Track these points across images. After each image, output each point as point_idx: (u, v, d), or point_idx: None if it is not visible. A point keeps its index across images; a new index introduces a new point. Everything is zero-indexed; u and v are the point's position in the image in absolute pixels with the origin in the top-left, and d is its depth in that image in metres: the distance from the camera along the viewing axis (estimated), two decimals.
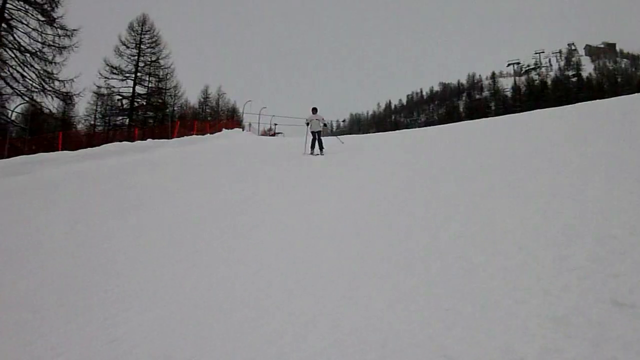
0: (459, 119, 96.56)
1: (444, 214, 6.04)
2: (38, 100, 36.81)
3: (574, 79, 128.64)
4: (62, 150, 24.51)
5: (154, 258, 6.89)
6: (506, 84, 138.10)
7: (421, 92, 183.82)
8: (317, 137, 18.05)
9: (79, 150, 23.64)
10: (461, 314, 3.26)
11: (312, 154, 17.81)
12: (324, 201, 8.75)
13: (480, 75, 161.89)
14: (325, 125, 18.67)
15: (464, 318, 3.20)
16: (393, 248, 5.14)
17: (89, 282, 6.23)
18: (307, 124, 18.67)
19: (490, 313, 3.18)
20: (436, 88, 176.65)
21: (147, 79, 55.76)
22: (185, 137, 32.30)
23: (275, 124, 64.24)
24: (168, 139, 31.11)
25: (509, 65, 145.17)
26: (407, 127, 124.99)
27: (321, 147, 17.95)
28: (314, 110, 18.89)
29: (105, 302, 5.41)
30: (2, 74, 34.81)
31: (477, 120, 27.29)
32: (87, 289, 5.98)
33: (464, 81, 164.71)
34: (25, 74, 35.72)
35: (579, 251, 3.83)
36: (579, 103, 20.38)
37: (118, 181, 15.65)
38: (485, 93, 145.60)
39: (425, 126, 60.28)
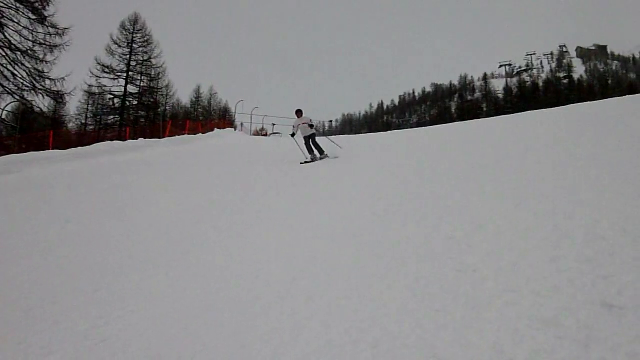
0: (450, 120, 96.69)
1: (437, 215, 6.06)
2: (29, 99, 36.65)
3: (565, 81, 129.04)
4: (53, 149, 24.36)
5: (148, 257, 6.88)
6: (498, 85, 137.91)
7: (413, 93, 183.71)
8: (312, 141, 15.30)
9: (70, 150, 23.49)
10: (452, 315, 3.29)
11: (313, 160, 15.00)
12: (319, 202, 8.74)
13: (472, 77, 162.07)
14: (311, 126, 15.53)
15: (455, 319, 3.23)
16: (387, 249, 5.16)
17: (82, 281, 6.22)
18: (293, 134, 16.01)
19: (481, 314, 3.20)
20: (428, 89, 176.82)
21: (139, 78, 55.75)
22: (177, 136, 32.21)
23: (274, 124, 64.22)
24: (160, 138, 31.02)
25: (501, 66, 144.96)
26: (399, 127, 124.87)
27: (321, 151, 15.22)
28: (299, 112, 16.08)
29: (99, 301, 5.40)
30: None
31: (469, 121, 27.37)
32: (80, 288, 5.96)
33: (456, 82, 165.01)
34: (16, 72, 35.56)
35: (569, 252, 3.87)
36: (570, 105, 20.48)
37: (110, 180, 15.59)
38: (477, 94, 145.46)
39: (417, 127, 60.34)
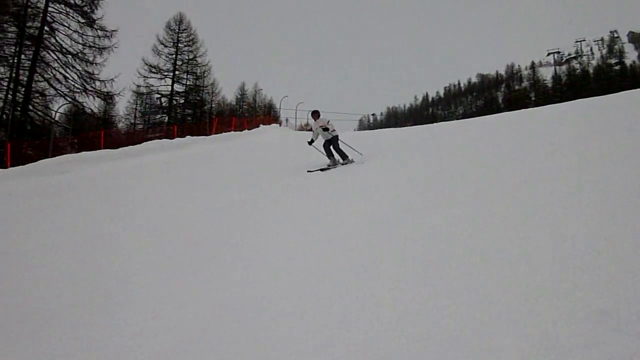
0: (498, 110, 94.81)
1: (481, 206, 5.96)
2: (80, 100, 38.03)
3: (617, 68, 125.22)
4: (103, 148, 25.00)
5: (172, 259, 6.83)
6: (546, 73, 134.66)
7: (459, 84, 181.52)
8: (332, 146, 13.86)
9: (120, 149, 24.08)
10: (504, 307, 3.21)
11: (331, 166, 13.67)
12: (352, 201, 8.62)
13: (519, 66, 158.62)
14: (326, 129, 13.88)
15: (507, 311, 3.14)
16: (432, 242, 5.07)
17: (112, 281, 6.26)
18: (311, 142, 14.57)
19: (534, 305, 3.11)
20: (474, 79, 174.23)
21: (185, 77, 56.93)
22: (224, 133, 32.65)
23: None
24: (206, 135, 31.48)
25: (549, 54, 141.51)
26: (444, 119, 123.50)
27: (343, 156, 13.73)
28: (315, 114, 14.47)
29: (128, 302, 5.43)
30: (46, 76, 36.04)
31: (514, 111, 26.79)
32: (106, 289, 5.99)
33: (502, 72, 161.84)
34: (67, 75, 36.91)
35: (626, 243, 3.74)
36: (622, 92, 19.86)
37: (154, 178, 15.99)
38: (525, 83, 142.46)
39: (463, 118, 59.68)
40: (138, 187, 14.46)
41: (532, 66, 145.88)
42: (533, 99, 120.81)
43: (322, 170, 13.22)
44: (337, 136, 13.95)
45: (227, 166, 17.59)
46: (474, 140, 13.66)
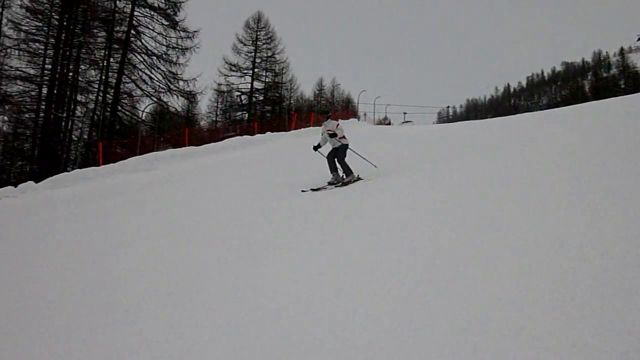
0: (584, 99, 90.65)
1: (566, 204, 5.69)
2: (164, 100, 39.56)
3: None
4: (188, 145, 25.84)
5: (236, 257, 6.65)
6: (637, 59, 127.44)
7: (542, 73, 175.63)
8: (337, 157, 11.23)
9: (204, 145, 24.83)
10: (597, 304, 3.04)
11: (333, 183, 11.02)
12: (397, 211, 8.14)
13: (607, 52, 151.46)
14: (333, 135, 11.27)
15: (600, 308, 2.97)
16: (517, 245, 4.88)
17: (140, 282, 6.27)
18: (316, 147, 11.91)
19: (629, 302, 2.93)
20: (558, 68, 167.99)
21: (264, 74, 58.03)
22: (302, 129, 32.97)
23: (405, 113, 65.92)
24: (285, 131, 31.88)
25: (639, 39, 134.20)
26: (527, 110, 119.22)
27: (348, 171, 11.08)
28: (325, 115, 12.34)
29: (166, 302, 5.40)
30: (133, 77, 37.92)
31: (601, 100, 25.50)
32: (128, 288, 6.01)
33: (589, 59, 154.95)
34: (152, 75, 38.70)
35: None
36: None
37: (231, 174, 16.27)
38: (613, 70, 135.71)
39: (547, 109, 57.65)
40: (214, 183, 14.70)
41: (621, 52, 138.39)
42: (622, 86, 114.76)
43: (313, 190, 10.65)
44: (345, 145, 11.46)
45: (298, 161, 17.56)
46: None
